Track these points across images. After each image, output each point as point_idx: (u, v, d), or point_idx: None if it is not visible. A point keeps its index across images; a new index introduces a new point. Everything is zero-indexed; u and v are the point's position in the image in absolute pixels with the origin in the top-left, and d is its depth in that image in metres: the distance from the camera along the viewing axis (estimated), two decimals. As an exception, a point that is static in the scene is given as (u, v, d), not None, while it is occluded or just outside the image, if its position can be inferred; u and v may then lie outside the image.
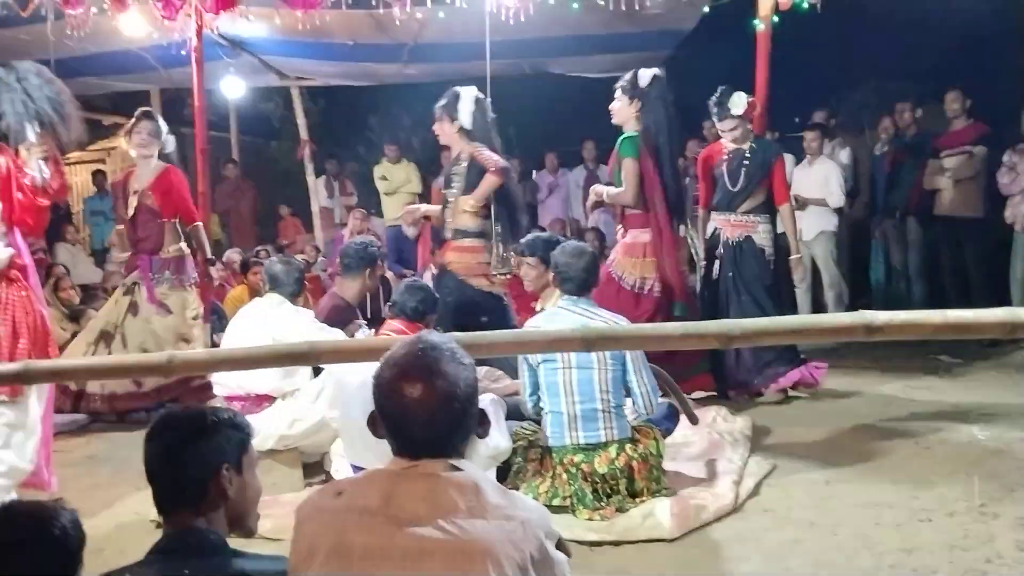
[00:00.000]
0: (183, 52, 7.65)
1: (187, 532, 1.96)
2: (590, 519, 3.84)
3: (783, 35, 6.62)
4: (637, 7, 6.55)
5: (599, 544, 3.67)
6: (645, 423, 4.17)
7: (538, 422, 4.18)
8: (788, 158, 8.22)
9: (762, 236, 5.85)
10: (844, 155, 8.39)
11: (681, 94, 10.12)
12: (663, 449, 4.17)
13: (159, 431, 2.04)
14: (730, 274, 5.87)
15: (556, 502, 3.88)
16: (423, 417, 1.72)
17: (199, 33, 7.21)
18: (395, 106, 14.23)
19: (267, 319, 4.55)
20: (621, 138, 5.77)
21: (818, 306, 7.85)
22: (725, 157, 5.92)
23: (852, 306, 7.43)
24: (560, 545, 1.83)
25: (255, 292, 7.39)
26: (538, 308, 4.81)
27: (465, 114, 5.40)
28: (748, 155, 5.85)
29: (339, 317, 4.90)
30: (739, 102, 5.71)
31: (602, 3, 6.43)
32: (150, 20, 7.10)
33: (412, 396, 1.71)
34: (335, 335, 4.51)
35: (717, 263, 5.95)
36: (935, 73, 8.66)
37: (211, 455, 2.00)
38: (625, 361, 4.01)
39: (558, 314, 4.07)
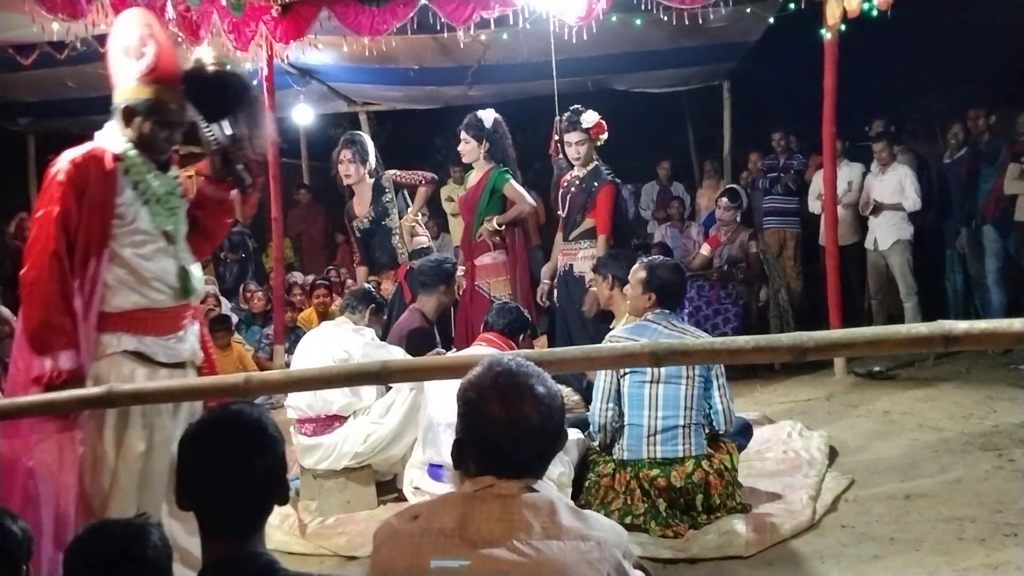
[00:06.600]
0: (255, 82, 7.86)
1: (242, 555, 1.80)
2: (663, 536, 3.82)
3: (850, 43, 6.52)
4: (700, 21, 6.51)
5: (673, 562, 3.64)
6: (719, 437, 4.15)
7: (606, 446, 4.17)
8: (856, 167, 8.14)
9: (581, 264, 5.71)
10: (912, 162, 8.20)
11: (747, 106, 10.11)
12: (737, 463, 4.14)
13: (217, 442, 1.84)
14: (558, 304, 5.91)
15: (628, 520, 3.86)
16: (520, 437, 1.72)
17: (270, 62, 7.42)
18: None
19: (329, 340, 4.65)
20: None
21: (894, 316, 7.68)
22: (567, 182, 5.91)
23: (929, 316, 7.25)
24: (639, 566, 1.82)
25: (322, 315, 7.56)
26: (612, 325, 4.85)
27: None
28: (577, 182, 5.81)
29: (420, 333, 5.00)
30: (590, 118, 5.72)
31: (665, 18, 6.40)
32: (223, 51, 7.29)
33: (509, 416, 1.71)
34: (393, 352, 4.59)
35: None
36: (1007, 77, 8.42)
37: (276, 469, 1.88)
38: (709, 376, 4.02)
39: (648, 327, 4.08)
